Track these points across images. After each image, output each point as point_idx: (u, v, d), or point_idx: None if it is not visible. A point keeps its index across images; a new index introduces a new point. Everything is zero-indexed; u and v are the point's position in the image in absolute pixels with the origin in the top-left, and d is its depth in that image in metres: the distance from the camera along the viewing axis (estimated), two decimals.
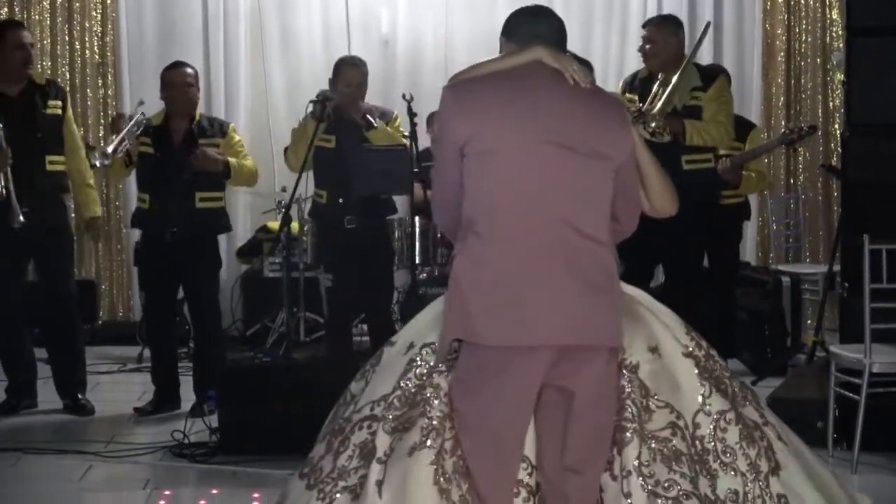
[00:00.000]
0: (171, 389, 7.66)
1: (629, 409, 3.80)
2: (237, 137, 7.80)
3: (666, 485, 3.72)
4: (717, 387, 3.93)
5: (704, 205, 7.62)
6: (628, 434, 3.77)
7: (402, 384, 3.80)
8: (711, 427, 3.87)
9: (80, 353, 7.78)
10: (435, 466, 3.66)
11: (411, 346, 3.89)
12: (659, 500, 3.71)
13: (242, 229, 10.18)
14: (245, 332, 9.63)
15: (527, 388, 3.64)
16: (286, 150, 7.70)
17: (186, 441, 6.54)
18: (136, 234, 9.93)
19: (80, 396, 7.63)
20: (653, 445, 3.78)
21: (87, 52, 10.42)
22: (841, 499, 4.07)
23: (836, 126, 10.49)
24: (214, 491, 5.90)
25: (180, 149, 7.51)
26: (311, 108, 7.32)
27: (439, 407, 3.72)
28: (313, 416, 4.36)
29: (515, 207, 3.60)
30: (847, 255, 7.07)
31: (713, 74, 7.57)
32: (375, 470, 3.66)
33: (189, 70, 7.71)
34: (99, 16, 10.44)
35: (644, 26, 7.70)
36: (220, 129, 7.71)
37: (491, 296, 3.57)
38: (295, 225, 8.43)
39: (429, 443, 3.67)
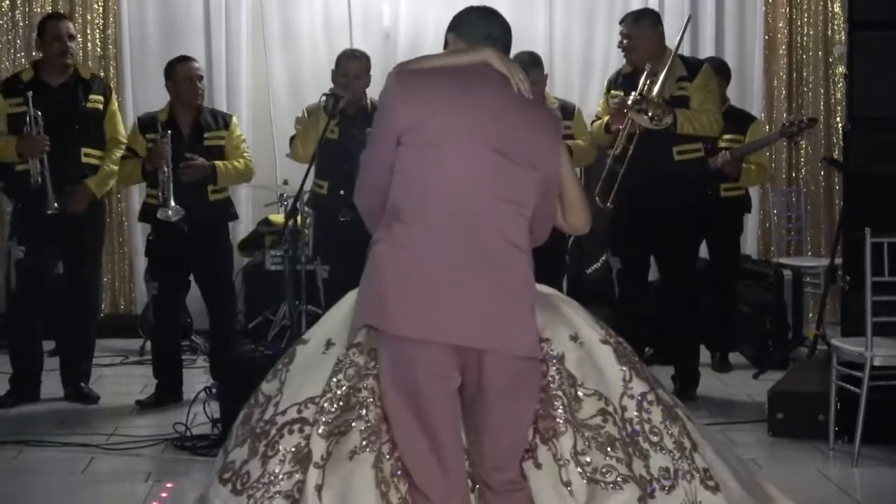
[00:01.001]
0: (174, 382, 7.69)
1: (560, 400, 3.83)
2: (238, 131, 7.90)
3: (604, 470, 3.77)
4: (635, 370, 3.99)
5: (696, 196, 7.66)
6: (561, 424, 3.80)
7: (331, 386, 3.75)
8: (637, 409, 3.92)
9: (92, 345, 7.90)
10: (375, 470, 3.65)
11: (329, 343, 3.87)
12: (599, 486, 3.76)
13: (244, 222, 10.17)
14: (247, 324, 9.63)
15: (440, 381, 3.62)
16: (292, 138, 7.72)
17: (188, 433, 6.55)
18: (139, 226, 10.01)
19: (83, 385, 7.68)
20: (586, 434, 3.82)
21: (89, 44, 10.43)
22: (749, 482, 4.14)
23: (838, 119, 10.49)
24: None
25: (190, 142, 7.60)
26: (324, 101, 7.32)
27: (375, 410, 3.71)
28: None
29: (445, 204, 3.60)
30: (848, 249, 7.07)
31: (698, 64, 7.70)
32: (314, 475, 3.63)
33: (196, 64, 7.80)
34: (101, 8, 10.46)
35: (621, 23, 7.73)
36: (223, 121, 7.79)
37: (408, 286, 3.57)
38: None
39: (368, 446, 3.66)
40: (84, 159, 7.60)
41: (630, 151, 7.39)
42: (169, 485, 5.89)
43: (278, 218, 9.75)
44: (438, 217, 3.59)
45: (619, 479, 3.76)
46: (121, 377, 8.56)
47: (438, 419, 3.64)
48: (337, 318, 3.96)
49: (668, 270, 7.82)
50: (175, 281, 7.79)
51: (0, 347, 8.61)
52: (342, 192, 7.39)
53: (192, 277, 7.89)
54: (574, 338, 3.97)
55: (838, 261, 7.78)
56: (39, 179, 7.34)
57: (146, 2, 10.53)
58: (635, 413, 3.92)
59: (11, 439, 6.61)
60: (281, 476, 3.68)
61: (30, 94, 7.40)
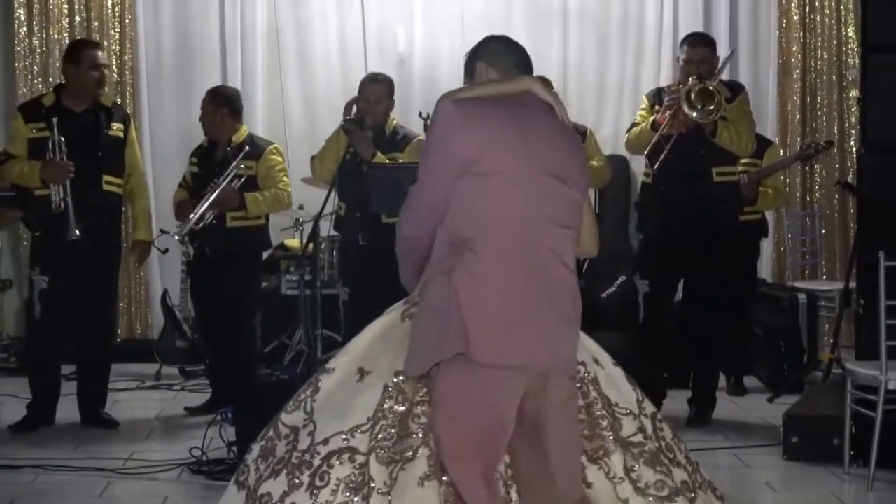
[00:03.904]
0: (223, 393, 7.88)
1: (606, 419, 3.93)
2: (275, 160, 7.96)
3: (658, 485, 3.89)
4: (640, 390, 4.11)
5: (727, 220, 7.67)
6: (610, 443, 3.90)
7: (384, 412, 3.73)
8: (651, 428, 4.04)
9: (108, 369, 7.93)
10: (442, 496, 3.65)
11: (363, 372, 3.84)
12: (653, 501, 3.87)
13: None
14: (262, 349, 9.66)
15: (507, 407, 3.68)
16: (313, 158, 7.76)
17: (204, 458, 6.57)
18: (155, 253, 10.07)
19: (101, 410, 7.73)
20: (633, 451, 3.92)
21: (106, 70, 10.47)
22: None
23: (852, 143, 10.50)
24: None
25: (216, 169, 7.76)
26: (343, 123, 7.39)
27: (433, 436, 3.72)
28: None
29: (510, 230, 3.67)
30: (863, 272, 7.07)
31: (738, 88, 7.81)
32: (377, 501, 3.61)
33: (206, 97, 7.97)
34: (117, 35, 10.51)
35: (693, 45, 7.68)
36: (255, 151, 7.87)
37: (489, 314, 3.61)
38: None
39: (435, 473, 3.67)
40: (105, 186, 7.62)
41: (665, 152, 7.40)
42: None
43: (294, 242, 9.79)
44: (506, 244, 3.66)
45: (671, 493, 3.90)
46: (137, 402, 8.58)
47: (502, 445, 3.71)
48: (362, 347, 3.94)
49: (695, 294, 7.77)
50: (206, 303, 8.03)
51: (17, 372, 8.64)
52: (358, 215, 7.41)
53: None
54: (595, 361, 4.06)
55: (853, 284, 7.78)
56: (62, 205, 7.35)
57: (163, 28, 10.60)
58: (651, 431, 4.02)
59: (29, 463, 6.62)
60: None
61: (55, 119, 7.41)
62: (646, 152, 7.58)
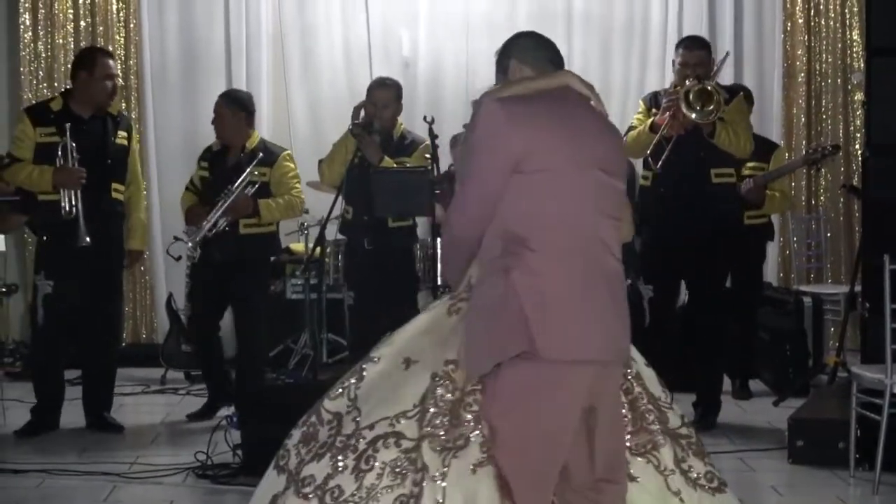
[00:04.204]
0: (221, 392, 7.92)
1: (653, 413, 4.01)
2: (288, 167, 7.93)
3: (708, 476, 4.00)
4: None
5: (727, 221, 7.67)
6: (659, 437, 3.97)
7: (435, 399, 3.76)
8: (687, 424, 4.16)
9: (114, 374, 7.94)
10: (497, 480, 3.69)
11: (409, 361, 3.87)
12: (705, 492, 3.98)
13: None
14: (268, 353, 9.65)
15: (576, 403, 3.72)
16: (321, 162, 7.76)
17: (209, 462, 6.57)
18: (161, 257, 10.10)
19: (107, 415, 7.74)
20: (682, 442, 4.01)
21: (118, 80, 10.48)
22: None
23: (857, 146, 10.49)
24: None
25: (229, 174, 7.74)
26: (351, 126, 7.40)
27: (486, 425, 3.74)
28: None
29: (564, 227, 3.70)
30: (868, 275, 7.07)
31: (735, 90, 7.80)
32: (432, 489, 3.63)
33: (221, 101, 7.95)
34: (122, 40, 10.52)
35: (689, 48, 7.69)
36: (268, 157, 7.85)
37: (553, 310, 3.62)
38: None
39: (489, 460, 3.69)
40: (114, 194, 7.66)
41: (666, 154, 7.41)
42: None
43: (299, 247, 9.79)
44: (563, 240, 3.68)
45: (720, 484, 4.00)
46: (142, 406, 8.59)
47: (566, 440, 3.73)
48: (405, 339, 3.97)
49: (699, 296, 7.77)
50: (211, 307, 7.97)
51: (22, 377, 8.65)
52: (365, 219, 7.42)
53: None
54: (632, 359, 4.10)
55: (858, 288, 7.77)
56: (73, 212, 7.35)
57: (168, 33, 10.61)
58: (687, 427, 4.13)
59: (34, 468, 6.63)
60: (381, 490, 3.68)
61: (68, 125, 7.40)
62: (648, 152, 7.58)
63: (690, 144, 7.41)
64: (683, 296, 8.24)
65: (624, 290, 3.85)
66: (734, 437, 7.39)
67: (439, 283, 7.94)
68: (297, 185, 7.97)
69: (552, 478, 3.76)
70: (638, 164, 8.31)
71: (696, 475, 3.97)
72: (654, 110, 7.60)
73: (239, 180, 7.64)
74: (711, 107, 7.28)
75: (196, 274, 7.92)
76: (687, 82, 7.39)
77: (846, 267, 10.52)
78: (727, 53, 8.31)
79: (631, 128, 7.74)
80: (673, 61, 7.74)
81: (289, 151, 8.17)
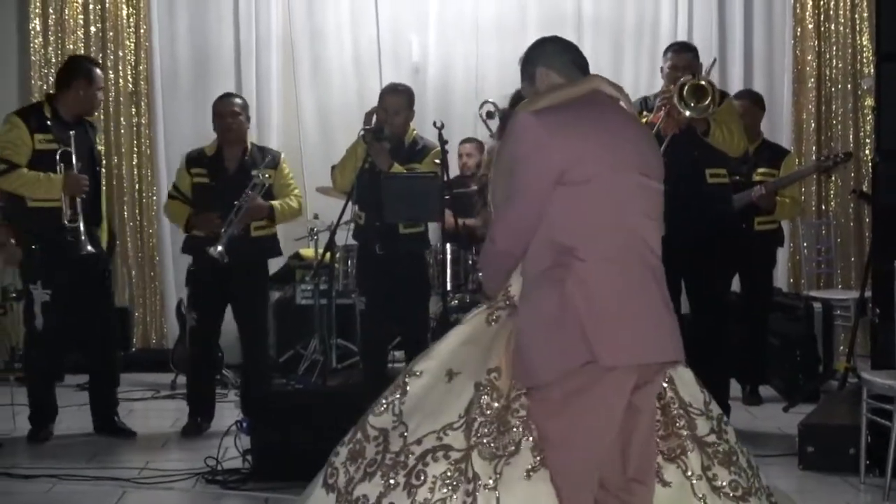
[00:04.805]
0: (207, 411, 7.80)
1: (683, 419, 4.04)
2: (287, 169, 7.98)
3: (732, 485, 4.02)
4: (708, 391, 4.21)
5: (724, 221, 7.66)
6: (688, 442, 4.00)
7: (482, 408, 3.77)
8: (717, 428, 4.15)
9: (118, 374, 7.95)
10: (552, 485, 3.71)
11: (451, 373, 3.90)
12: (729, 500, 4.01)
13: (277, 257, 10.23)
14: (277, 359, 9.67)
15: (622, 401, 3.73)
16: (333, 168, 7.76)
17: (220, 468, 6.57)
18: (171, 262, 10.11)
19: (117, 420, 7.75)
20: (708, 450, 4.03)
21: (121, 80, 10.52)
22: None
23: (867, 151, 10.48)
24: None
25: (234, 178, 7.69)
26: (362, 133, 7.40)
27: (535, 429, 3.76)
28: None
29: (611, 234, 3.71)
30: (878, 281, 7.05)
31: (724, 95, 7.76)
32: (485, 497, 3.66)
33: (237, 101, 7.94)
34: (133, 45, 10.55)
35: (678, 51, 7.71)
36: (272, 160, 7.87)
37: (608, 318, 3.64)
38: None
39: (542, 464, 3.71)
40: (104, 200, 7.75)
41: (664, 146, 7.42)
42: None
43: (309, 252, 9.79)
44: (610, 247, 3.70)
45: (744, 493, 4.03)
46: (152, 411, 8.59)
47: (611, 438, 3.76)
48: (447, 351, 4.01)
49: (698, 298, 7.76)
50: (212, 312, 7.86)
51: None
52: (377, 224, 7.42)
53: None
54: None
55: (868, 293, 7.75)
56: (80, 220, 7.34)
57: (178, 38, 10.64)
58: (717, 430, 4.14)
59: (43, 473, 6.62)
60: (435, 502, 3.70)
61: (72, 133, 7.40)
62: None
63: (684, 145, 7.40)
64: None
65: (667, 287, 3.85)
66: (744, 443, 7.31)
67: (448, 288, 7.95)
68: (297, 187, 8.06)
69: (595, 477, 3.78)
70: None
71: (720, 483, 3.99)
72: (644, 113, 7.61)
73: (252, 183, 7.64)
74: (706, 102, 7.29)
75: (196, 280, 7.87)
76: (682, 78, 7.40)
77: (856, 272, 10.50)
78: (714, 59, 8.29)
79: None
80: (661, 68, 7.76)
81: (282, 153, 8.22)
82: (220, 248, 7.44)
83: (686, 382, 4.15)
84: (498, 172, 3.92)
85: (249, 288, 7.80)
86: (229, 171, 7.77)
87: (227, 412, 8.18)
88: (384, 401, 3.99)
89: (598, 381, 3.64)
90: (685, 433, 4.01)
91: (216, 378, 8.51)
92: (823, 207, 10.90)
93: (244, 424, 6.72)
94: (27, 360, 7.83)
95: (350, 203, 7.34)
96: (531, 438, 3.73)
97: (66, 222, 7.34)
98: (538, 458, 3.71)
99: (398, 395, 3.96)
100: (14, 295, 8.97)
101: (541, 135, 3.70)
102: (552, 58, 3.99)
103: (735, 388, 8.33)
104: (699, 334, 7.68)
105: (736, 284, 8.65)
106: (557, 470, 3.71)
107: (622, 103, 3.92)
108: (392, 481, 3.76)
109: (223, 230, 7.53)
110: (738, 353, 8.33)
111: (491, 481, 3.67)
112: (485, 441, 3.73)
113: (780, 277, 10.42)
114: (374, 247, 7.53)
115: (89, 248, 7.37)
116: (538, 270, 3.74)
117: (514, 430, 3.75)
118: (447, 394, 3.87)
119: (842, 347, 9.74)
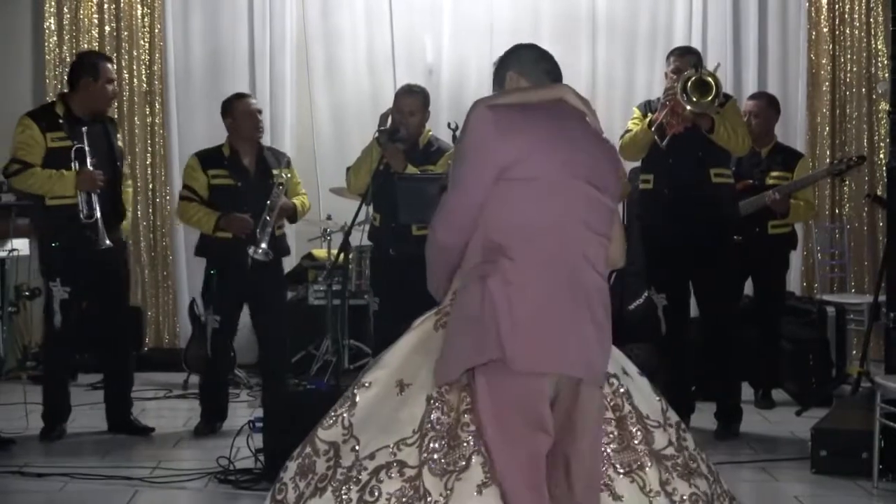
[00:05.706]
0: (220, 411, 7.83)
1: (641, 432, 3.93)
2: (295, 170, 8.09)
3: (693, 499, 3.91)
4: (665, 399, 4.13)
5: (731, 221, 7.66)
6: (645, 458, 3.90)
7: (432, 424, 3.70)
8: (676, 437, 4.04)
9: (132, 372, 7.97)
10: (500, 501, 3.64)
11: (402, 384, 3.82)
12: None
13: (288, 257, 10.23)
14: (290, 359, 9.66)
15: (546, 408, 3.66)
16: (348, 169, 7.77)
17: (232, 467, 6.58)
18: (184, 262, 10.11)
19: (133, 418, 7.78)
20: (667, 464, 3.92)
21: (135, 80, 10.54)
22: None
23: (882, 155, 10.47)
24: None
25: (256, 178, 7.75)
26: (377, 134, 7.40)
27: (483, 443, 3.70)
28: None
29: (546, 237, 3.65)
30: (892, 285, 7.05)
31: (728, 96, 7.77)
32: None
33: (253, 100, 8.02)
34: (147, 45, 10.57)
35: (681, 55, 7.72)
36: (286, 161, 7.96)
37: (523, 321, 3.58)
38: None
39: (492, 480, 3.63)
40: (124, 196, 7.77)
41: (665, 142, 7.42)
42: None
43: (322, 252, 9.80)
44: (541, 251, 3.64)
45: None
46: (164, 410, 8.61)
47: (545, 450, 3.68)
48: (398, 360, 3.90)
49: (706, 301, 7.76)
50: (233, 314, 7.91)
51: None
52: (392, 226, 7.42)
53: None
54: (625, 372, 4.06)
55: (882, 297, 7.74)
56: (97, 215, 7.37)
57: (192, 38, 10.65)
58: (676, 442, 4.03)
59: (56, 472, 6.65)
60: None
61: (84, 129, 7.42)
62: (642, 155, 7.62)
63: (689, 145, 7.41)
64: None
65: (606, 308, 3.76)
66: (757, 447, 7.37)
67: None
68: (302, 187, 8.15)
69: (541, 475, 3.69)
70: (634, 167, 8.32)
71: (679, 498, 3.88)
72: (649, 114, 7.61)
73: (278, 182, 7.71)
74: (710, 97, 7.29)
75: (216, 282, 7.84)
76: (686, 72, 7.40)
77: (870, 276, 10.49)
78: (718, 64, 8.28)
79: (626, 131, 7.74)
80: (666, 73, 7.75)
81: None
82: (263, 246, 7.51)
83: (643, 393, 4.05)
84: (453, 164, 3.91)
85: (270, 287, 7.84)
86: (251, 171, 7.79)
87: (240, 412, 8.20)
88: (333, 414, 3.89)
89: (517, 386, 3.59)
90: (643, 448, 3.90)
91: (229, 378, 8.51)
92: (837, 211, 10.88)
93: (256, 424, 6.73)
94: (46, 357, 7.85)
95: (365, 204, 7.33)
96: (482, 455, 3.65)
97: (83, 219, 7.36)
98: (489, 473, 3.63)
99: (347, 407, 3.86)
100: (27, 294, 8.97)
101: (490, 128, 3.66)
102: (525, 65, 3.96)
103: (748, 391, 8.32)
104: (707, 336, 7.69)
105: (749, 288, 8.66)
106: (504, 480, 3.63)
107: (588, 118, 3.85)
108: (345, 497, 3.66)
109: (257, 230, 7.56)
110: (751, 356, 8.31)
111: (442, 498, 3.59)
112: (435, 457, 3.65)
113: (794, 281, 10.40)
114: (388, 248, 7.53)
115: (108, 242, 7.38)
116: (469, 267, 3.72)
117: (465, 444, 3.67)
118: (400, 407, 3.77)
119: (855, 352, 9.73)
